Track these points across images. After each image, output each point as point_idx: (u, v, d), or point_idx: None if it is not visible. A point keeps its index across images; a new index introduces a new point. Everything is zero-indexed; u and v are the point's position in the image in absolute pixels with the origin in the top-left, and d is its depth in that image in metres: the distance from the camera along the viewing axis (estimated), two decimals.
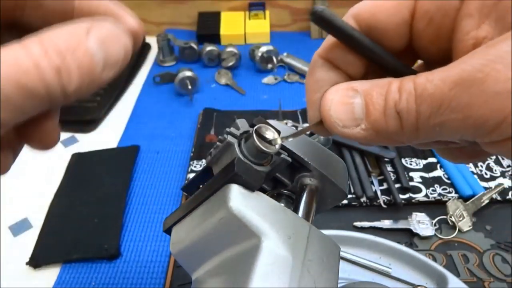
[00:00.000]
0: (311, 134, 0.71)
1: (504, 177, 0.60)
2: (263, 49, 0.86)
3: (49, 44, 0.19)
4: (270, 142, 0.23)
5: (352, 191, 0.58)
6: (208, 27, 0.98)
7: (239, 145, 0.24)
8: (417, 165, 0.62)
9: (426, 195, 0.57)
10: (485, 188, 0.57)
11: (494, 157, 0.63)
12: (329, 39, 0.23)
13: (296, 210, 0.26)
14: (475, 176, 0.59)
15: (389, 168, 0.61)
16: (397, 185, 0.58)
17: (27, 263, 0.52)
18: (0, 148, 0.23)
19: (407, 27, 0.21)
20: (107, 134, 0.74)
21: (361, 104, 0.20)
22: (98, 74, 0.20)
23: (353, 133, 0.20)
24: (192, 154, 0.65)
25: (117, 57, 0.21)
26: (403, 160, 0.63)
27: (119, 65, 0.21)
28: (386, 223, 0.54)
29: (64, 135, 0.73)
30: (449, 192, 0.57)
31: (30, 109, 0.19)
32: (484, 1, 0.18)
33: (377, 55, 0.20)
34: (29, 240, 0.55)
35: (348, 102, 0.20)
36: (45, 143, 0.24)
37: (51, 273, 0.51)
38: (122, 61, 0.22)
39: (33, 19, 0.24)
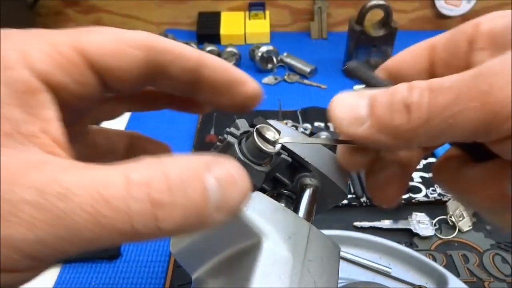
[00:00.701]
0: (311, 134, 0.71)
1: None
2: (263, 49, 0.86)
3: (157, 171, 0.17)
4: (270, 142, 0.23)
5: (352, 191, 0.58)
6: (208, 27, 0.98)
7: (239, 145, 0.24)
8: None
9: (426, 195, 0.57)
10: None
11: None
12: None
13: (296, 210, 0.26)
14: None
15: None
16: None
17: None
18: None
19: (428, 73, 0.24)
20: None
21: (366, 103, 0.20)
22: (208, 216, 0.18)
23: (357, 133, 0.20)
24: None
25: (234, 202, 0.19)
26: None
27: (233, 211, 0.19)
28: (386, 223, 0.54)
29: None
30: None
31: (104, 242, 0.16)
32: (493, 34, 0.21)
33: None
34: None
35: (353, 102, 0.21)
36: None
37: (51, 273, 0.51)
38: (238, 207, 0.19)
39: (164, 88, 0.24)
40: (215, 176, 0.18)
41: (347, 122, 0.20)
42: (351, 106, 0.21)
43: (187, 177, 0.17)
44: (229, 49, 0.88)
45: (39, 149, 0.18)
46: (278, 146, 0.24)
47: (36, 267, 0.17)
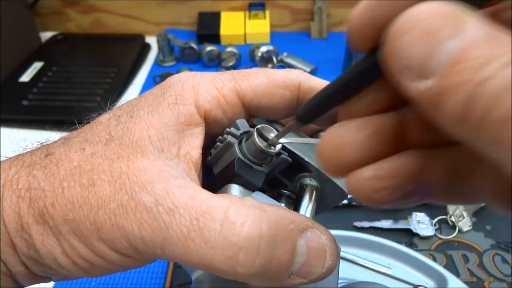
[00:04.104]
0: (312, 135, 0.70)
1: None
2: (263, 49, 0.86)
3: (256, 217, 0.18)
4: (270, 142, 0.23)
5: None
6: (208, 27, 0.97)
7: (239, 145, 0.24)
8: None
9: None
10: None
11: None
12: None
13: (296, 210, 0.26)
14: None
15: None
16: None
17: None
18: None
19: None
20: None
21: None
22: (285, 276, 0.19)
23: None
24: None
25: (314, 272, 0.19)
26: None
27: (310, 280, 0.19)
28: (386, 223, 0.54)
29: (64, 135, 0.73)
30: None
31: (184, 261, 0.19)
32: None
33: None
34: None
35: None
36: None
37: None
38: (316, 279, 0.20)
39: None
40: (307, 242, 0.19)
41: (410, 72, 0.15)
42: (427, 43, 0.16)
43: (282, 234, 0.19)
44: (229, 49, 0.88)
45: (178, 166, 0.22)
46: (278, 146, 0.24)
47: (138, 259, 0.21)
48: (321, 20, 0.97)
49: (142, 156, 0.21)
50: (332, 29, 1.00)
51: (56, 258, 0.20)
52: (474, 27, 0.12)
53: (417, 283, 0.44)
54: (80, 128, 0.24)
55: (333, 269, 0.19)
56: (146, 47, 0.97)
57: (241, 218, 0.18)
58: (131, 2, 0.99)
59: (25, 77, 0.82)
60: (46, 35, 0.99)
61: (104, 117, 0.24)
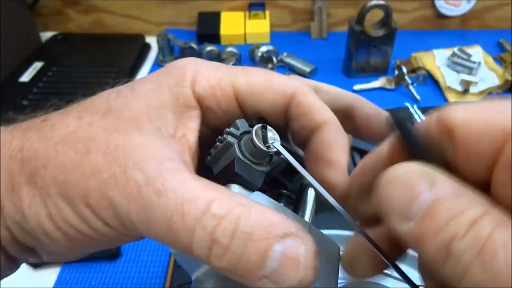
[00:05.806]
0: None
1: None
2: (263, 49, 0.86)
3: (236, 212, 0.18)
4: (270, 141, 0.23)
5: None
6: (208, 27, 0.98)
7: (239, 145, 0.24)
8: None
9: None
10: None
11: None
12: None
13: (296, 210, 0.26)
14: None
15: None
16: None
17: (27, 263, 0.52)
18: None
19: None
20: None
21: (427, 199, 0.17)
22: (255, 278, 0.18)
23: (401, 230, 0.17)
24: None
25: (285, 282, 0.19)
26: None
27: (279, 287, 0.19)
28: None
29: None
30: None
31: (167, 242, 0.19)
32: None
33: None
34: None
35: (410, 189, 0.19)
36: None
37: (51, 273, 0.51)
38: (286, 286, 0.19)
39: (291, 126, 0.26)
40: (283, 248, 0.19)
41: (396, 215, 0.16)
42: (407, 194, 0.16)
43: (257, 234, 0.18)
44: (229, 49, 0.88)
45: (174, 147, 0.22)
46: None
47: (122, 232, 0.21)
48: (321, 20, 0.97)
49: (140, 133, 0.21)
50: (332, 29, 1.00)
51: (41, 221, 0.20)
52: (443, 183, 0.15)
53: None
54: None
55: (308, 283, 0.19)
56: (146, 47, 0.97)
57: (222, 211, 0.19)
58: (131, 2, 0.99)
59: (25, 77, 0.82)
60: (46, 35, 0.99)
61: (106, 91, 0.25)
